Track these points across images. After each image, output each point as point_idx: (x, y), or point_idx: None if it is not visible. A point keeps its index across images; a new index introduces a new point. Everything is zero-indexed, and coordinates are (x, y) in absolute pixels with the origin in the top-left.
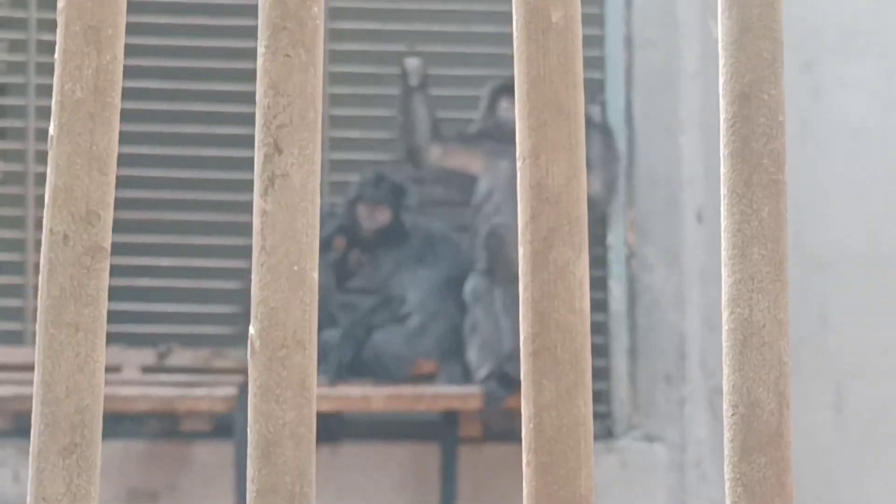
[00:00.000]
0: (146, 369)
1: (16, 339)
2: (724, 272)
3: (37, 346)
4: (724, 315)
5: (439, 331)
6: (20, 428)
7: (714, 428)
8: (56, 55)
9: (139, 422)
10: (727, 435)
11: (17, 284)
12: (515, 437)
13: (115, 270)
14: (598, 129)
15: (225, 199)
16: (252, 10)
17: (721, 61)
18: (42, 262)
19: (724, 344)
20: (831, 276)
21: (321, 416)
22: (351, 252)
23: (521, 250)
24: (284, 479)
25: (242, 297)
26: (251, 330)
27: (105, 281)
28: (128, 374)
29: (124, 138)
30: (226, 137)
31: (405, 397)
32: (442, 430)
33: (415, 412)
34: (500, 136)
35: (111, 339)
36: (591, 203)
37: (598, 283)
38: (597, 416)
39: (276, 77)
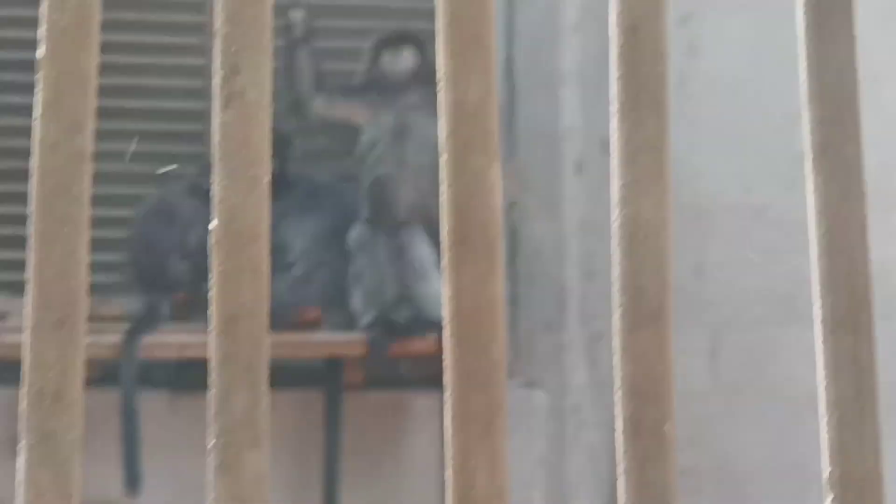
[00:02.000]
0: None
1: None
2: (614, 178)
3: (30, 238)
4: (614, 215)
5: (323, 279)
6: None
7: (592, 375)
8: None
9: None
10: (617, 314)
11: None
12: (398, 383)
13: (5, 217)
14: None
15: (110, 149)
16: None
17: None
18: (33, 165)
19: (613, 241)
20: (706, 226)
21: (206, 362)
22: None
23: (441, 159)
24: (244, 349)
25: (127, 245)
26: (211, 225)
27: (88, 181)
28: (14, 322)
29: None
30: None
31: (290, 344)
32: (326, 377)
33: (299, 359)
34: (383, 88)
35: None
36: None
37: None
38: None
39: (232, 9)
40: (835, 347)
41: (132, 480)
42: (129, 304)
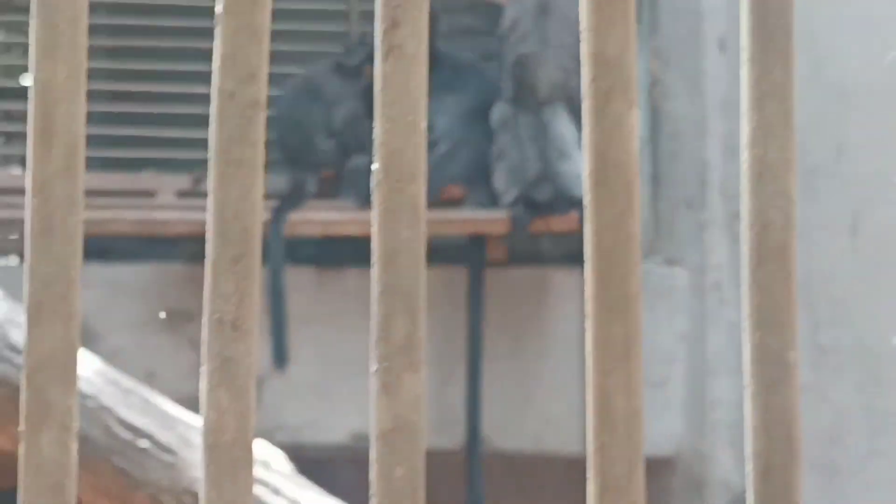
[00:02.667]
0: (181, 193)
1: None
2: (744, 121)
3: (210, 180)
4: (744, 155)
5: (467, 157)
6: None
7: (733, 252)
8: None
9: (176, 244)
10: (745, 248)
11: None
12: (540, 259)
13: (150, 97)
14: None
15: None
16: None
17: None
18: (212, 114)
19: (743, 178)
20: (847, 105)
21: (351, 239)
22: None
23: (584, 105)
24: (403, 280)
25: (274, 124)
26: (373, 166)
27: (262, 127)
28: (164, 199)
29: None
30: None
31: (434, 222)
32: (469, 252)
33: (443, 236)
34: None
35: (146, 164)
36: None
37: None
38: None
39: None
40: None
41: (280, 354)
42: (275, 181)
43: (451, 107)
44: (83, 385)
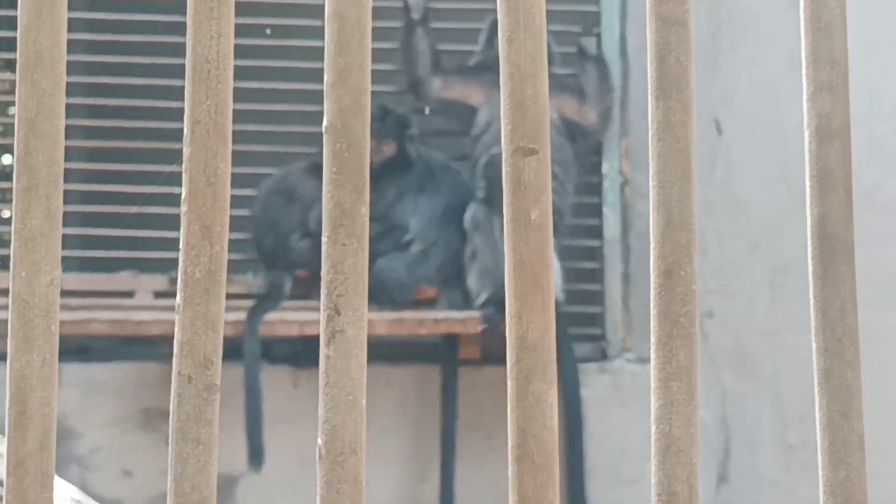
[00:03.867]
0: (159, 294)
1: None
2: (652, 398)
3: (169, 456)
4: (653, 429)
5: (440, 257)
6: None
7: (703, 349)
8: (180, 243)
9: (153, 345)
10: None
11: None
12: None
13: (129, 198)
14: (594, 60)
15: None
16: None
17: (651, 245)
18: (172, 395)
19: (652, 450)
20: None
21: None
22: None
23: (508, 385)
24: None
25: (250, 224)
26: (319, 441)
27: (217, 407)
28: (141, 299)
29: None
30: None
31: (408, 322)
32: (443, 352)
33: (417, 336)
34: (498, 69)
35: (124, 265)
36: (587, 132)
37: (593, 210)
38: (592, 338)
39: (336, 259)
40: None
41: (255, 453)
42: (251, 281)
43: (424, 207)
44: None
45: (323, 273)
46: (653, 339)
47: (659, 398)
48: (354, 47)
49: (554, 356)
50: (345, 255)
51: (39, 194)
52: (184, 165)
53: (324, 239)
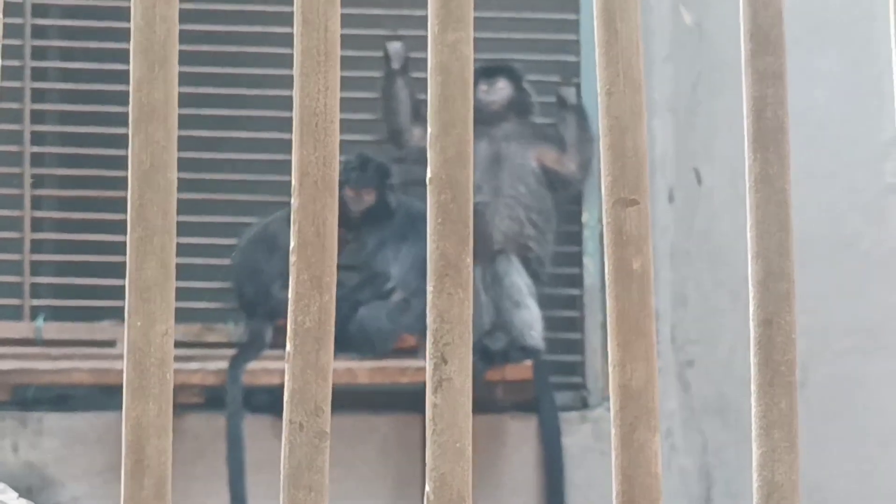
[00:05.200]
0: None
1: (14, 314)
2: (754, 446)
3: (281, 502)
4: (754, 476)
5: (421, 306)
6: (19, 400)
7: (684, 400)
8: (290, 293)
9: None
10: None
11: (16, 261)
12: (495, 408)
13: (110, 247)
14: (574, 110)
15: (214, 179)
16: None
17: (751, 295)
18: (283, 442)
19: (754, 498)
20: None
21: None
22: (337, 231)
23: (612, 432)
24: None
25: (231, 273)
26: (427, 488)
27: (327, 455)
28: (122, 349)
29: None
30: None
31: (389, 370)
32: (424, 401)
33: (398, 384)
34: (478, 118)
35: (105, 314)
36: (567, 182)
37: (574, 259)
38: (572, 386)
39: (442, 308)
40: None
41: (237, 502)
42: (233, 330)
43: (406, 256)
44: None
45: (429, 322)
46: (753, 387)
47: (761, 446)
48: (458, 99)
49: (657, 404)
50: (451, 305)
51: (154, 245)
52: (293, 216)
53: (429, 289)
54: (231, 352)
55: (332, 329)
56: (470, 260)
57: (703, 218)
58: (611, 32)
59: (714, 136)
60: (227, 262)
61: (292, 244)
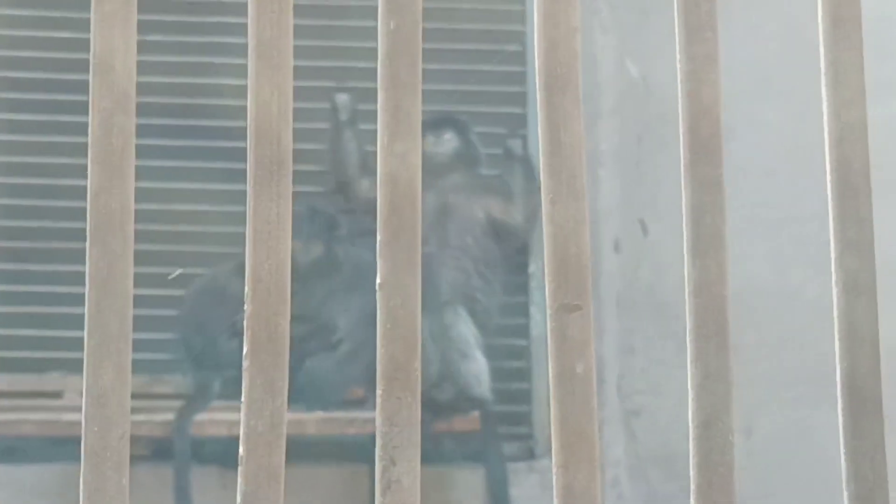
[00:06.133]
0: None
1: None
2: None
3: None
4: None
5: (369, 357)
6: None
7: (630, 449)
8: (242, 397)
9: (80, 446)
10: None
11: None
12: (442, 459)
13: (53, 298)
14: (519, 161)
15: (162, 230)
16: None
17: (690, 397)
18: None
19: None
20: (740, 308)
21: None
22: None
23: None
24: None
25: (179, 324)
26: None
27: None
28: (69, 400)
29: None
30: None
31: (338, 421)
32: (371, 451)
33: (345, 435)
34: (425, 170)
35: (52, 365)
36: (513, 233)
37: (520, 310)
38: (519, 437)
39: (390, 412)
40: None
41: None
42: (181, 382)
43: (353, 307)
44: None
45: (378, 424)
46: (693, 486)
47: None
48: (407, 208)
49: (601, 502)
50: (400, 408)
51: (110, 350)
52: (245, 322)
53: (378, 392)
54: (178, 403)
55: (284, 433)
56: (418, 364)
57: (648, 269)
58: (555, 144)
59: (659, 188)
60: (174, 313)
61: (245, 349)
